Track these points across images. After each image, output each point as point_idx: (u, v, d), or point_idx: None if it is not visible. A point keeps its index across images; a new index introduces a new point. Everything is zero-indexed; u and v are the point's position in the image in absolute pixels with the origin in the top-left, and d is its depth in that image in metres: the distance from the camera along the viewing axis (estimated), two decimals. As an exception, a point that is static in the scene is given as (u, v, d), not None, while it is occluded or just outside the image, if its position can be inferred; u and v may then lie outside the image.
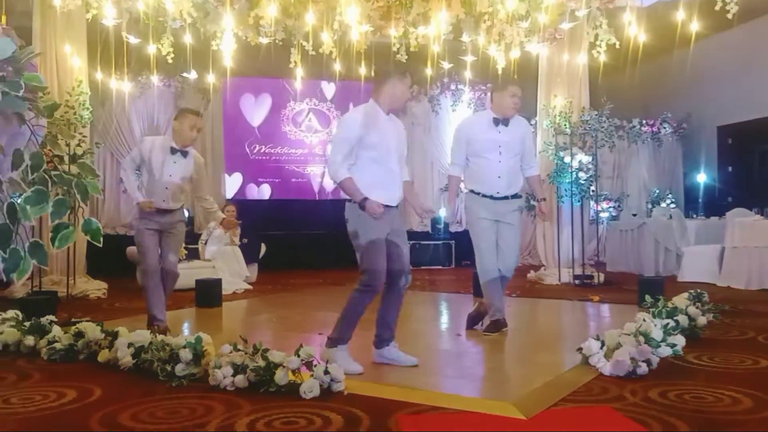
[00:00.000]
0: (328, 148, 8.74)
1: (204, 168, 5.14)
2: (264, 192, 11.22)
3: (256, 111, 11.10)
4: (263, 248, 9.10)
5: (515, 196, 4.74)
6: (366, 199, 3.53)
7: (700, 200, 10.81)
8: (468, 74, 7.69)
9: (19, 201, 1.16)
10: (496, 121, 4.65)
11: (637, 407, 2.88)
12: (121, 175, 4.91)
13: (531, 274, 8.62)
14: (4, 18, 5.08)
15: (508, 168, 4.65)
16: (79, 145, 6.45)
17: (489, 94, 5.03)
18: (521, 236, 5.39)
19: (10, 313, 4.57)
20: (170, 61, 6.92)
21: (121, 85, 7.84)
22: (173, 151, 4.70)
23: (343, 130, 3.64)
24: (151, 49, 6.70)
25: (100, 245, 1.30)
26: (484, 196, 4.66)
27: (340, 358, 3.52)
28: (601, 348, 3.62)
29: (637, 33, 6.48)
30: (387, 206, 3.60)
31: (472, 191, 4.74)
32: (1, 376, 3.56)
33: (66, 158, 5.68)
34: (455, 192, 5.00)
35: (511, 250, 4.70)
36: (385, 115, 3.69)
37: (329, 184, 11.31)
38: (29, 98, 1.17)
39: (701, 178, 10.94)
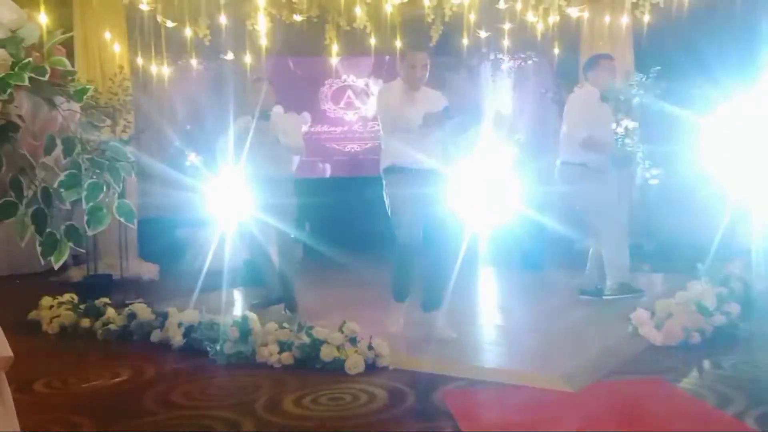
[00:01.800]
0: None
1: None
2: (305, 171, 11.27)
3: (294, 90, 11.11)
4: (307, 227, 9.17)
5: None
6: None
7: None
8: (507, 42, 7.50)
9: (53, 185, 1.17)
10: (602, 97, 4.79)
11: (690, 378, 2.80)
12: None
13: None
14: (42, 8, 5.18)
15: None
16: (124, 130, 6.57)
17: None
18: None
19: (66, 296, 4.73)
20: (207, 43, 6.95)
21: (161, 69, 7.94)
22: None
23: None
24: (188, 33, 6.74)
25: (133, 226, 1.31)
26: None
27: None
28: (652, 317, 3.53)
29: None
30: None
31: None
32: (59, 357, 3.70)
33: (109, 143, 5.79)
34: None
35: None
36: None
37: (372, 161, 11.30)
38: (59, 83, 1.17)
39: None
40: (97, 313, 4.32)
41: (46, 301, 4.64)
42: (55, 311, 4.47)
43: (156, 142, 10.37)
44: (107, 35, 6.84)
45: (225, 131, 4.93)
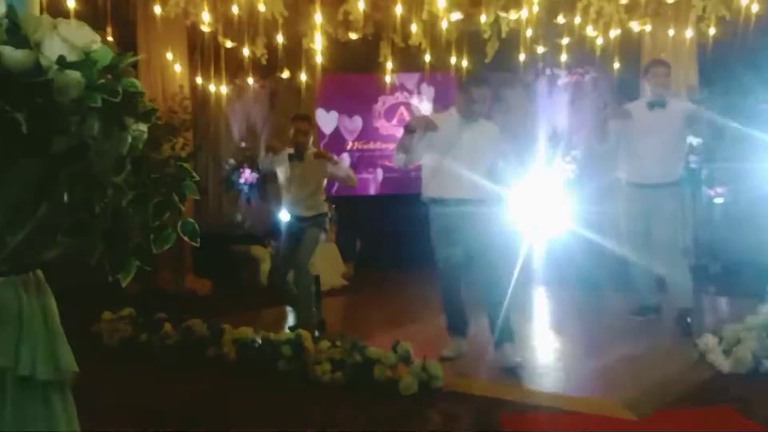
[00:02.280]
0: None
1: None
2: (359, 188, 11.32)
3: (348, 107, 11.22)
4: (359, 244, 9.20)
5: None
6: None
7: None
8: (564, 57, 7.38)
9: (122, 204, 1.19)
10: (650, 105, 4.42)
11: (761, 408, 2.64)
12: None
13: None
14: (109, 30, 5.37)
15: None
16: (183, 148, 6.74)
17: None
18: None
19: (126, 310, 4.85)
20: (264, 62, 7.09)
21: (219, 88, 8.14)
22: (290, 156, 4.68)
23: None
24: (246, 52, 6.89)
25: (197, 245, 1.31)
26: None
27: None
28: (720, 343, 3.37)
29: (749, 2, 5.98)
30: None
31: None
32: (117, 371, 3.78)
33: (171, 162, 5.97)
34: None
35: None
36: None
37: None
38: (128, 104, 1.19)
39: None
40: (154, 328, 4.40)
41: (107, 315, 4.76)
42: (115, 325, 4.58)
43: (213, 159, 10.63)
44: (169, 55, 7.05)
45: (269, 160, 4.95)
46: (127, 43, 6.01)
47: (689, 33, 6.92)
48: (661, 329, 4.40)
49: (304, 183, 4.62)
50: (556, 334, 4.64)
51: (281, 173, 4.72)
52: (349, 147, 11.13)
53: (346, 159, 10.49)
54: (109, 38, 1.29)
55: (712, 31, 6.22)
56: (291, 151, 4.65)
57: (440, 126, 3.59)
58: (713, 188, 8.19)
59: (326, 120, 11.12)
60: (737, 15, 6.07)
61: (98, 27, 1.22)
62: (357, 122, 11.32)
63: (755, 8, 5.99)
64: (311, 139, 4.76)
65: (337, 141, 11.08)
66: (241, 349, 3.75)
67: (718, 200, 9.16)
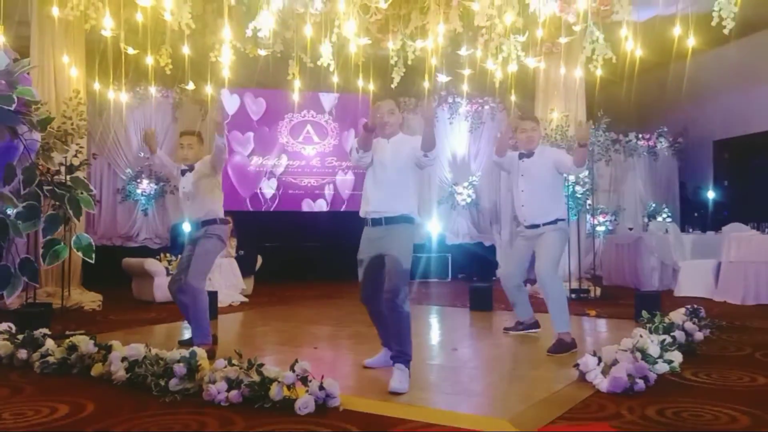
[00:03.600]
0: None
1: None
2: (260, 203, 11.19)
3: (252, 122, 11.10)
4: (259, 260, 9.07)
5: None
6: None
7: (696, 215, 10.83)
8: (465, 87, 7.71)
9: (10, 216, 1.14)
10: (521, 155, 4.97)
11: (634, 425, 2.85)
12: None
13: (527, 288, 8.58)
14: (1, 28, 5.07)
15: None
16: (75, 155, 6.43)
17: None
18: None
19: (3, 325, 4.54)
20: (168, 72, 6.92)
21: (118, 95, 7.83)
22: (183, 172, 4.82)
23: None
24: (149, 61, 6.70)
25: (92, 261, 1.28)
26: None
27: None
28: (598, 364, 3.60)
29: (633, 47, 6.51)
30: None
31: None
32: (-8, 390, 3.52)
33: (63, 169, 5.69)
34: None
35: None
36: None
37: (327, 197, 11.31)
38: (22, 112, 1.15)
39: (697, 192, 10.96)
40: (35, 344, 4.15)
41: (-19, 329, 4.43)
42: (-10, 341, 4.28)
43: (108, 167, 10.17)
44: (65, 58, 6.73)
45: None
46: (20, 44, 5.69)
47: (579, 72, 7.43)
48: (542, 348, 4.65)
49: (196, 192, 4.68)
50: (452, 353, 4.79)
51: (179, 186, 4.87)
52: (252, 162, 10.98)
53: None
54: (2, 40, 1.24)
55: (599, 71, 6.70)
56: (183, 166, 4.80)
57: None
58: (595, 217, 8.77)
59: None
60: (622, 58, 6.59)
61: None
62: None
63: (639, 52, 6.52)
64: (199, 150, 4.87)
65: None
66: (130, 368, 3.60)
67: (600, 228, 9.79)
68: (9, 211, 1.18)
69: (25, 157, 1.23)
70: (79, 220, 1.26)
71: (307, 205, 11.30)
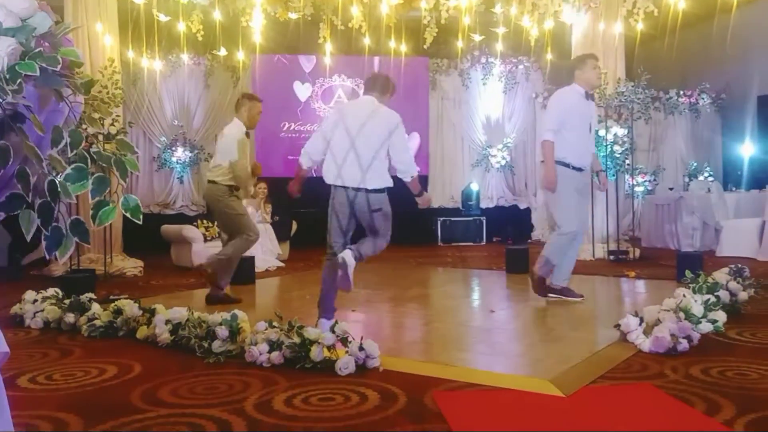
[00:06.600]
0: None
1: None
2: (292, 170, 11.21)
3: (284, 88, 11.07)
4: (294, 226, 9.14)
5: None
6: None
7: (739, 173, 10.51)
8: (499, 46, 7.53)
9: (59, 179, 1.15)
10: (587, 95, 4.85)
11: (678, 384, 2.82)
12: None
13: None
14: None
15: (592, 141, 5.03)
16: (113, 124, 6.51)
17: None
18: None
19: (51, 291, 4.67)
20: (200, 38, 6.91)
21: (152, 63, 7.87)
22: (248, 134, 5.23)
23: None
24: (181, 27, 6.69)
25: (140, 222, 1.28)
26: (574, 168, 4.82)
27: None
28: (640, 324, 3.56)
29: (676, 0, 6.26)
30: None
31: (561, 162, 4.81)
32: (43, 353, 3.65)
33: (101, 137, 5.77)
34: (552, 157, 4.89)
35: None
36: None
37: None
38: (66, 74, 1.15)
39: (741, 150, 10.62)
40: (82, 309, 4.26)
41: (30, 295, 4.57)
42: (38, 306, 4.41)
43: (143, 135, 10.30)
44: (99, 26, 6.76)
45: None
46: (53, 11, 5.70)
47: (618, 27, 7.18)
48: (586, 309, 4.61)
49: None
50: (490, 315, 4.78)
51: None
52: (285, 128, 11.00)
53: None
54: (46, 5, 1.23)
55: (639, 26, 6.48)
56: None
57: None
58: (633, 177, 8.56)
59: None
60: (665, 11, 6.35)
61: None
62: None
63: (681, 5, 6.27)
64: None
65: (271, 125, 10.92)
66: (174, 330, 3.68)
67: (639, 189, 9.58)
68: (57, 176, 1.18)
69: (71, 120, 1.23)
70: (126, 182, 1.27)
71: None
